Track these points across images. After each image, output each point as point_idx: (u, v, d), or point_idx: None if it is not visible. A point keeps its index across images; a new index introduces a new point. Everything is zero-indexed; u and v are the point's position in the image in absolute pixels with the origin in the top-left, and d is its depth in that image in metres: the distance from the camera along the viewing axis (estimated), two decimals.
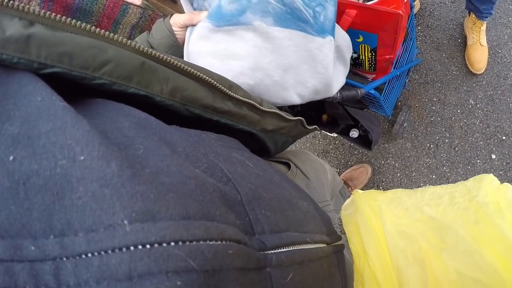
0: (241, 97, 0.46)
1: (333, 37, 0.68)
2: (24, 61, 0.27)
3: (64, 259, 0.20)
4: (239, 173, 0.34)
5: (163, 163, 0.27)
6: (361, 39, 0.97)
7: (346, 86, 0.99)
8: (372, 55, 1.04)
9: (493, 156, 1.58)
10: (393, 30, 0.89)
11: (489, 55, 1.64)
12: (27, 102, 0.25)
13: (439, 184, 1.56)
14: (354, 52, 1.07)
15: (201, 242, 0.23)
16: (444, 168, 1.61)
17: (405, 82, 1.56)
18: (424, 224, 0.46)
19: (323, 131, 1.60)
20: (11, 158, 0.22)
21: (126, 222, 0.21)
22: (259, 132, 0.52)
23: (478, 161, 1.59)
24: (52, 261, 0.20)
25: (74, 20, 0.30)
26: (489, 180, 0.45)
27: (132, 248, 0.21)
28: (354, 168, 1.67)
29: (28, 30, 0.27)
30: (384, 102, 1.23)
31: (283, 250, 0.32)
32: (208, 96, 0.42)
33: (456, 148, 1.61)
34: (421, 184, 1.62)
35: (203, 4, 0.66)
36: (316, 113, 1.18)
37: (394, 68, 1.17)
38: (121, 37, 0.34)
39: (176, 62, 0.38)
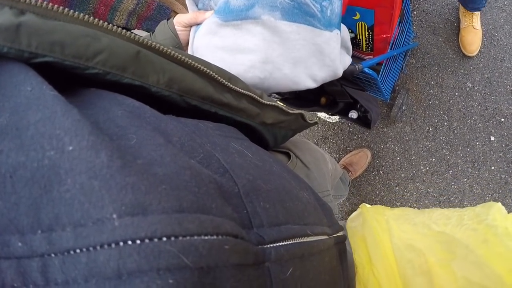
0: (240, 89, 0.45)
1: (340, 30, 0.69)
2: (14, 50, 0.25)
3: (52, 255, 0.20)
4: (237, 164, 0.33)
5: (156, 153, 0.26)
6: (358, 16, 0.98)
7: None
8: (369, 33, 1.05)
9: (492, 138, 1.58)
10: (389, 5, 0.90)
11: (485, 38, 1.65)
12: (16, 93, 0.24)
13: (439, 168, 1.57)
14: (351, 31, 1.08)
15: (195, 237, 0.22)
16: (444, 151, 1.61)
17: (402, 65, 1.57)
18: (432, 238, 0.47)
19: (321, 116, 1.60)
20: None
21: (115, 216, 0.20)
22: (258, 125, 0.50)
23: (477, 143, 1.59)
24: (40, 258, 0.20)
25: (66, 9, 0.29)
26: (497, 207, 0.46)
27: (121, 243, 0.20)
28: (353, 153, 1.68)
29: (19, 19, 0.26)
30: (381, 84, 1.23)
31: (283, 243, 0.30)
32: (206, 88, 0.41)
33: (455, 131, 1.62)
34: (421, 167, 1.63)
35: (208, 4, 0.66)
36: (315, 95, 1.19)
37: (391, 49, 1.17)
38: (115, 27, 0.32)
39: (173, 52, 0.37)
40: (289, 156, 0.68)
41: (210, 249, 0.22)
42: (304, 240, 0.34)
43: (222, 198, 0.28)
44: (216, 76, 0.42)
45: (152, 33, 0.67)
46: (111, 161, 0.22)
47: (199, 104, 0.41)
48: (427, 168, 1.62)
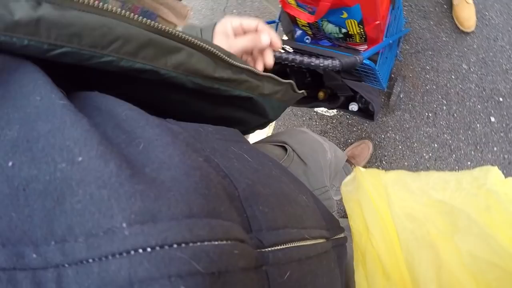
0: (240, 64, 0.47)
1: None
2: (35, 42, 0.27)
3: (66, 265, 0.20)
4: (236, 169, 0.34)
5: (164, 154, 0.26)
6: (345, 15, 0.95)
7: (345, 55, 0.97)
8: (360, 28, 1.02)
9: (492, 119, 1.56)
10: None
11: (477, 18, 1.62)
12: (26, 103, 0.24)
13: (441, 153, 1.55)
14: (343, 27, 1.05)
15: (206, 243, 0.22)
16: (445, 135, 1.59)
17: (397, 53, 1.54)
18: (432, 208, 0.45)
19: (319, 111, 1.57)
20: (10, 164, 0.22)
21: (124, 225, 0.20)
22: (258, 97, 0.53)
23: (478, 125, 1.57)
24: (54, 269, 0.20)
25: None
26: (495, 172, 0.45)
27: (132, 252, 0.20)
28: (355, 146, 1.65)
29: (37, 13, 0.27)
30: (378, 73, 1.21)
31: (280, 247, 0.31)
32: (209, 67, 0.42)
33: (455, 115, 1.59)
34: (424, 154, 1.61)
35: None
36: (312, 90, 1.16)
37: (385, 37, 1.15)
38: (128, 12, 0.34)
39: (181, 34, 0.39)
40: (285, 150, 0.68)
41: (221, 254, 0.23)
42: (302, 244, 0.34)
43: (228, 200, 0.28)
44: (220, 53, 0.44)
45: None
46: (120, 170, 0.22)
47: (202, 82, 0.42)
48: (430, 154, 1.60)
